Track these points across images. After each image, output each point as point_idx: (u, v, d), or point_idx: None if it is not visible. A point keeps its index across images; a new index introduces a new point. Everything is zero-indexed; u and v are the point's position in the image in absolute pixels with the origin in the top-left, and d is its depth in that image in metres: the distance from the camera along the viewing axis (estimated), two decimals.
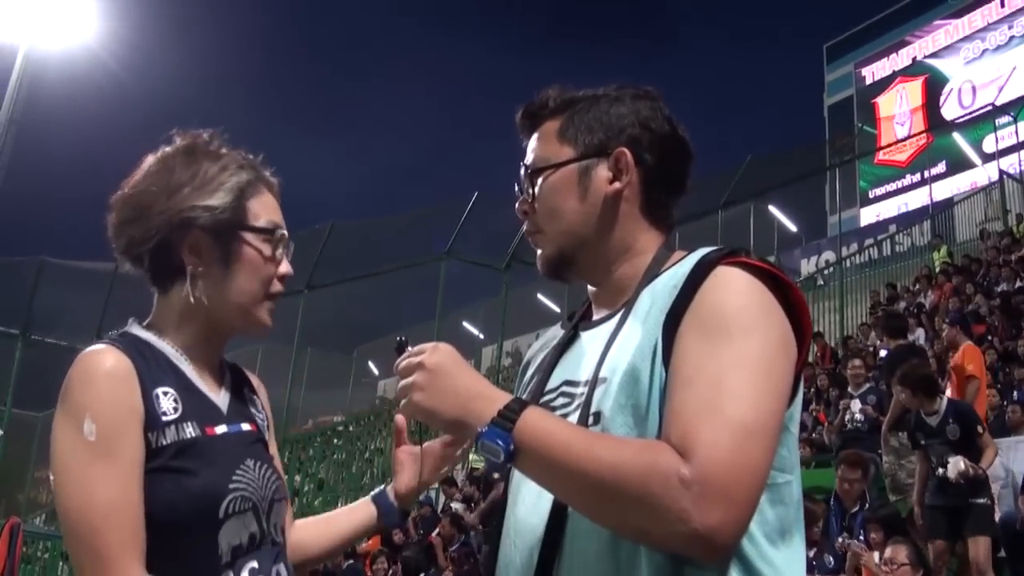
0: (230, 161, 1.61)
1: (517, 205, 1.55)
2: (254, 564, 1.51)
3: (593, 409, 1.35)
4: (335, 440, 16.57)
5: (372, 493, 1.86)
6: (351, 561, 10.47)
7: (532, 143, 1.54)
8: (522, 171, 1.53)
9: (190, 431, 1.49)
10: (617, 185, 1.47)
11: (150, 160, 1.60)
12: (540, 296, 25.42)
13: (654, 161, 1.48)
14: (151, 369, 1.50)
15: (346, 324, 27.17)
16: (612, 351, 1.38)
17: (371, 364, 32.93)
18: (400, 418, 1.78)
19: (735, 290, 1.30)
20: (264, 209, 1.62)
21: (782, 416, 1.27)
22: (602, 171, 1.47)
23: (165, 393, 1.49)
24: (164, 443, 1.45)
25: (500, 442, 1.22)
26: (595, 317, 1.53)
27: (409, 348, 1.37)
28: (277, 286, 1.63)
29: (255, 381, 1.77)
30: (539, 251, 1.54)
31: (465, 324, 26.19)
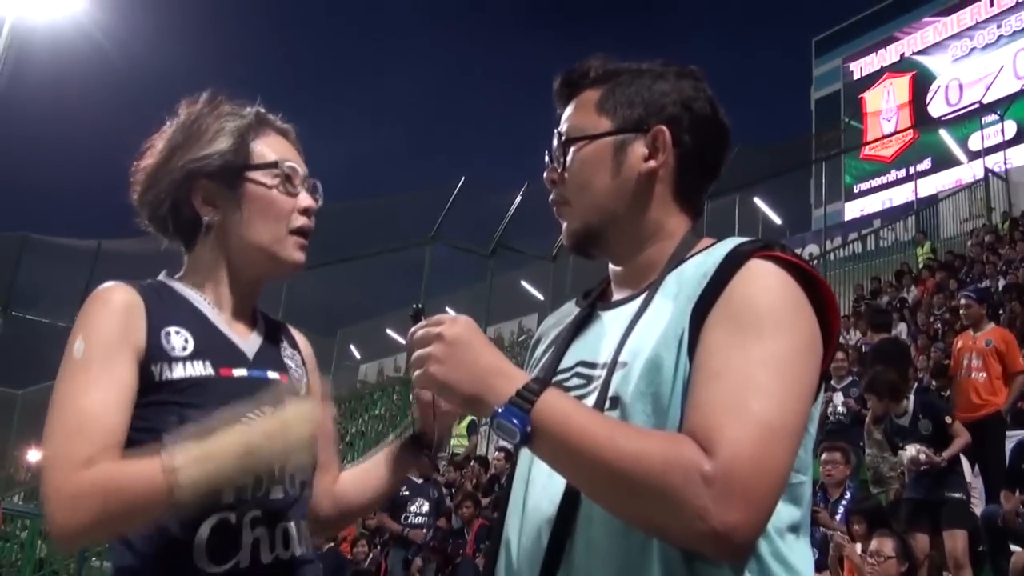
0: (229, 110, 1.62)
1: (546, 174, 1.49)
2: (257, 513, 1.49)
3: (611, 393, 1.30)
4: None
5: (405, 436, 1.78)
6: (331, 544, 10.41)
7: (568, 112, 1.48)
8: (555, 139, 1.48)
9: (201, 369, 1.50)
10: (652, 164, 1.41)
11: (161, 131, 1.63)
12: (523, 283, 25.37)
13: (692, 143, 1.43)
14: (164, 308, 1.52)
15: (329, 307, 27.04)
16: (634, 335, 1.32)
17: (353, 348, 32.79)
18: (426, 394, 1.67)
19: (768, 286, 1.26)
20: (271, 148, 1.62)
21: (807, 417, 1.24)
22: (638, 148, 1.42)
23: (177, 332, 1.51)
24: (169, 377, 1.47)
25: (516, 422, 1.17)
26: (615, 297, 1.48)
27: (425, 318, 1.29)
28: (300, 220, 1.63)
29: (299, 337, 1.77)
30: (564, 224, 1.48)
31: (448, 309, 26.09)
